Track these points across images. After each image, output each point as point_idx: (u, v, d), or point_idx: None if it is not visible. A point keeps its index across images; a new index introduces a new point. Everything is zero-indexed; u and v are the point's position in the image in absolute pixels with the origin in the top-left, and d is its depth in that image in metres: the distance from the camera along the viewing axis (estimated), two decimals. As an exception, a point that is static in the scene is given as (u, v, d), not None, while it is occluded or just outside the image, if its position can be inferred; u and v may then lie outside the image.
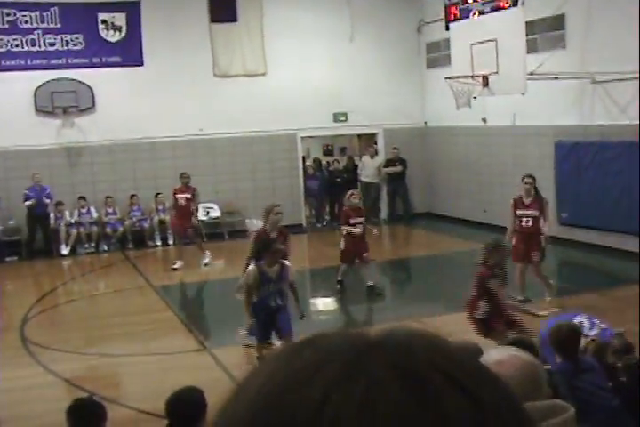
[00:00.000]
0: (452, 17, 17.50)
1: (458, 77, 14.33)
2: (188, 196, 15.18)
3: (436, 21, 18.66)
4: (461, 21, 16.08)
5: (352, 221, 12.27)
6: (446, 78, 14.71)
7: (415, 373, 0.70)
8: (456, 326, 9.85)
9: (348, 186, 19.92)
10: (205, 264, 15.12)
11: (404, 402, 0.68)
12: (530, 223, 11.16)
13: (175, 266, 14.93)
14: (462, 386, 0.70)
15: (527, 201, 11.29)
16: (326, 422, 0.66)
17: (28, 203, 16.76)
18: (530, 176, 11.64)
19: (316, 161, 21.19)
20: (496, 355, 2.44)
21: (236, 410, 0.71)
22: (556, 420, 2.19)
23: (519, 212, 11.27)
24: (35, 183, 16.94)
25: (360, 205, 12.78)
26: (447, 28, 16.67)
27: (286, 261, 8.78)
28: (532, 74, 13.35)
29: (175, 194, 15.36)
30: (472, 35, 13.86)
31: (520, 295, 10.84)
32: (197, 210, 16.20)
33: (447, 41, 15.78)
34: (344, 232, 12.35)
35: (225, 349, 9.80)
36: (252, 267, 8.59)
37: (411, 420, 0.67)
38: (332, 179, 20.15)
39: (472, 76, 13.83)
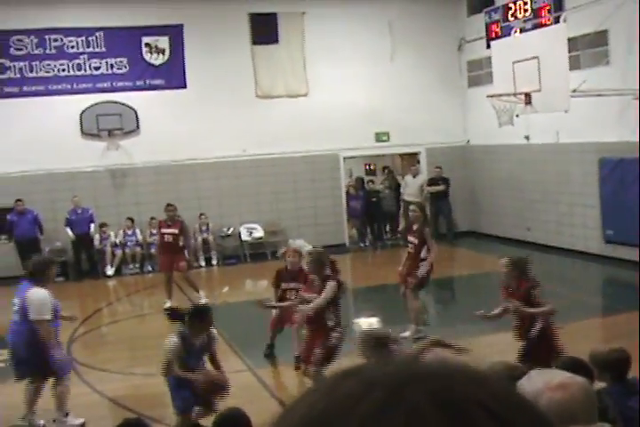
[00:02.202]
0: (494, 35, 17.47)
1: (500, 95, 14.27)
2: (176, 231, 13.53)
3: (477, 40, 18.66)
4: (503, 39, 16.03)
5: (284, 286, 9.76)
6: (488, 96, 14.66)
7: (454, 405, 0.69)
8: (499, 347, 9.77)
9: (387, 205, 20.03)
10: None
11: None
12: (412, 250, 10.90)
13: (166, 306, 12.32)
14: (501, 419, 0.69)
15: (414, 227, 11.00)
16: None
17: (68, 231, 17.05)
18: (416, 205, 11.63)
19: (358, 180, 21.21)
20: (556, 378, 2.42)
21: None
22: None
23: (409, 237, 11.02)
24: (75, 206, 17.17)
25: (298, 266, 9.84)
26: (488, 46, 16.65)
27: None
28: (575, 91, 13.25)
29: (160, 228, 13.91)
30: (514, 52, 13.80)
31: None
32: (189, 246, 14.49)
33: (489, 59, 15.75)
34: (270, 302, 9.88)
35: (268, 369, 9.82)
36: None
37: None
38: (370, 198, 20.13)
39: (514, 94, 13.76)
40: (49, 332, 7.75)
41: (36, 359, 7.74)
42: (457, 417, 0.68)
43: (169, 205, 13.93)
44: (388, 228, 20.39)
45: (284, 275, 9.87)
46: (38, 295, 7.71)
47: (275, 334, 10.30)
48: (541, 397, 2.29)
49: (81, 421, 8.15)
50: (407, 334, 10.77)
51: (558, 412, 2.24)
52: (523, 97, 13.65)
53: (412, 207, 11.45)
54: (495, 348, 9.72)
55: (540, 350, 7.49)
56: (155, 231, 16.92)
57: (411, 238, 11.08)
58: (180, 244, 13.54)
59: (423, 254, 10.82)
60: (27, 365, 7.83)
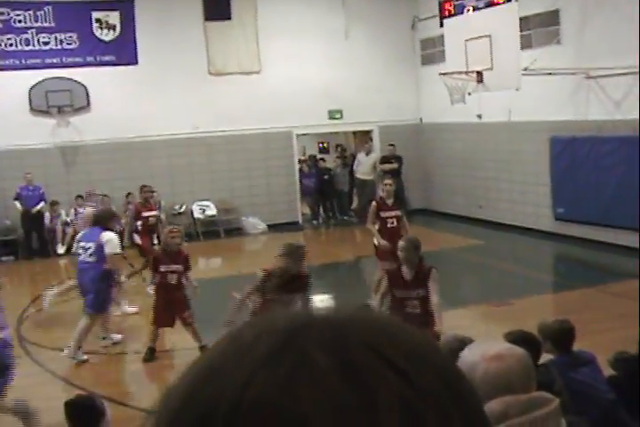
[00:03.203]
0: (447, 13, 17.48)
1: (452, 73, 14.32)
2: (157, 213, 13.52)
3: (430, 18, 18.68)
4: (455, 17, 16.07)
5: (163, 269, 9.19)
6: (440, 74, 14.71)
7: (346, 350, 0.68)
8: (454, 322, 9.86)
9: (340, 183, 20.08)
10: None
11: (329, 379, 0.66)
12: (394, 224, 11.01)
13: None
14: (396, 367, 0.68)
15: (390, 202, 11.13)
16: (247, 404, 0.65)
17: (17, 205, 16.82)
18: (390, 178, 11.77)
19: (311, 158, 21.18)
20: (493, 349, 2.45)
21: (171, 395, 0.71)
22: (540, 412, 2.20)
23: (383, 214, 11.04)
24: (27, 183, 16.94)
25: (178, 247, 9.37)
26: (442, 25, 16.68)
27: None
28: (526, 69, 13.35)
29: (139, 212, 13.13)
30: (466, 31, 13.84)
31: None
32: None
33: (442, 37, 15.76)
34: (152, 289, 9.69)
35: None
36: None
37: (335, 396, 0.65)
38: (322, 176, 20.13)
39: (466, 72, 13.82)
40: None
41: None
42: (348, 362, 0.67)
43: (144, 186, 13.57)
44: (340, 206, 20.42)
45: (163, 258, 9.27)
46: (110, 236, 9.41)
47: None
48: (478, 367, 2.32)
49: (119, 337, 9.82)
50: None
51: (494, 382, 2.28)
52: (475, 75, 13.72)
53: (385, 182, 11.47)
54: (451, 323, 9.81)
55: None
56: (130, 207, 16.55)
57: (391, 213, 11.02)
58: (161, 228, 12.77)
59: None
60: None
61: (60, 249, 17.25)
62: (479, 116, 17.13)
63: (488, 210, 17.61)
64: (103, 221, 9.73)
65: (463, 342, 4.43)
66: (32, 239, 17.35)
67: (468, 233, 16.89)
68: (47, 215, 17.31)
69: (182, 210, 18.20)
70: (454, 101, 14.62)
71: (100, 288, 9.36)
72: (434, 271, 7.36)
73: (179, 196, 18.25)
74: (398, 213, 11.08)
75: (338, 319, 0.74)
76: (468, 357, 2.42)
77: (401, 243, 7.49)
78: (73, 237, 17.33)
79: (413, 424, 0.66)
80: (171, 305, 9.11)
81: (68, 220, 17.47)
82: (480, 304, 11.04)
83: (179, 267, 9.15)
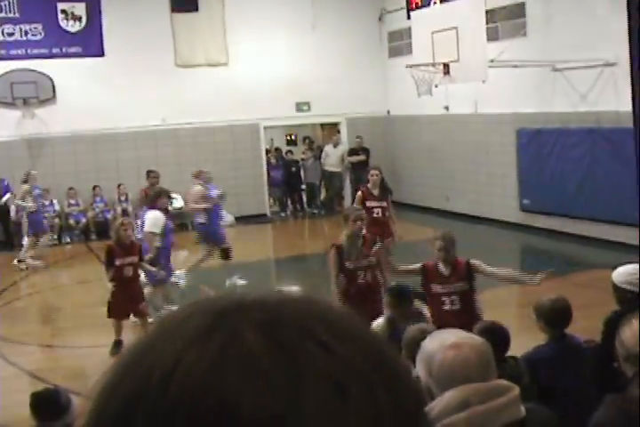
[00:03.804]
0: (414, 5, 17.53)
1: (419, 66, 14.36)
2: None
3: (397, 10, 18.71)
4: (422, 9, 16.13)
5: (118, 262, 9.09)
6: (407, 66, 14.74)
7: (279, 331, 0.69)
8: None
9: (308, 175, 20.08)
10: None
11: (258, 357, 0.67)
12: (379, 214, 11.04)
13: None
14: (322, 342, 0.69)
15: (375, 192, 11.17)
16: (176, 382, 0.66)
17: None
18: (376, 168, 11.67)
19: (278, 150, 21.15)
20: (451, 338, 2.47)
21: (106, 374, 0.72)
22: (502, 399, 2.23)
23: (369, 203, 11.01)
24: (-10, 176, 16.80)
25: (130, 239, 9.33)
26: (409, 17, 16.71)
27: None
28: (492, 62, 13.43)
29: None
30: (433, 23, 13.89)
31: None
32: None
33: (409, 30, 15.79)
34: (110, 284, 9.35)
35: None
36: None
37: (263, 373, 0.66)
38: (290, 168, 20.11)
39: (433, 64, 13.87)
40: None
41: None
42: (277, 341, 0.68)
43: (151, 171, 13.62)
44: (306, 198, 20.41)
45: (117, 250, 9.14)
46: (152, 214, 10.05)
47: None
48: (436, 356, 2.34)
49: None
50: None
51: (451, 371, 2.30)
52: (441, 67, 13.77)
53: (372, 172, 11.39)
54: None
55: None
56: (97, 199, 17.42)
57: (375, 203, 10.98)
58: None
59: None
60: None
61: (25, 241, 17.10)
62: (446, 108, 17.22)
63: (455, 201, 17.72)
64: (150, 200, 10.56)
65: (426, 333, 4.47)
66: (-3, 233, 17.21)
67: (435, 225, 16.95)
68: (13, 208, 17.13)
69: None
70: (421, 93, 14.66)
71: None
72: (474, 262, 7.09)
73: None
74: (383, 203, 11.06)
75: (272, 302, 0.74)
76: (427, 346, 2.44)
77: (438, 242, 6.98)
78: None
79: (337, 398, 0.67)
80: (128, 298, 9.08)
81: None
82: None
83: (134, 259, 9.13)
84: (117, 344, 9.05)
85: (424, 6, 16.66)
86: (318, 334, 0.70)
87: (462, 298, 6.89)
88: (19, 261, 14.77)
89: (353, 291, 7.78)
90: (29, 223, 15.37)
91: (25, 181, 15.18)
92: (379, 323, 6.38)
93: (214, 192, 12.25)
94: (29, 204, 15.06)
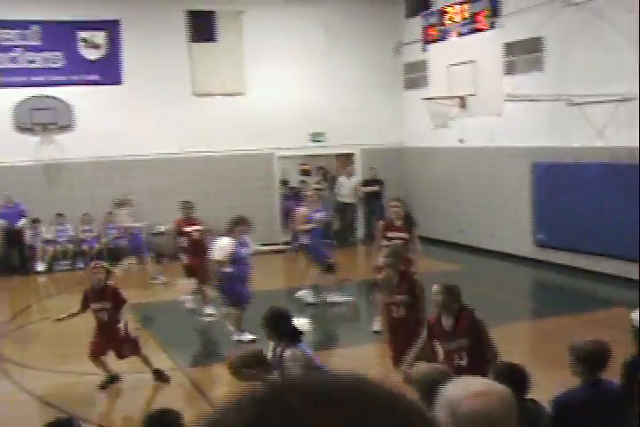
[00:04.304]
0: (431, 38, 17.63)
1: (435, 98, 14.42)
2: (200, 227, 12.81)
3: (413, 42, 18.82)
4: (439, 42, 16.21)
5: (93, 307, 9.00)
6: (423, 99, 14.81)
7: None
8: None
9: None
10: (209, 314, 12.47)
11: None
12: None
13: (207, 311, 12.42)
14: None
15: (398, 223, 11.10)
16: None
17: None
18: (396, 199, 11.68)
19: (285, 182, 21.09)
20: (475, 385, 2.48)
21: None
22: None
23: (390, 234, 10.96)
24: (5, 201, 16.91)
25: (103, 283, 9.03)
26: (425, 49, 16.80)
27: None
28: (509, 96, 13.46)
29: (181, 227, 12.78)
30: (450, 56, 13.94)
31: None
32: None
33: (425, 62, 15.88)
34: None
35: (198, 369, 9.77)
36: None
37: None
38: (302, 199, 20.04)
39: (449, 98, 13.92)
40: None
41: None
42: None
43: (185, 202, 13.27)
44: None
45: (90, 295, 9.03)
46: (221, 242, 10.55)
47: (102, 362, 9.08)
48: (460, 404, 2.35)
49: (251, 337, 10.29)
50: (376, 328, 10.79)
51: (475, 419, 2.31)
52: (457, 100, 13.82)
53: (392, 203, 11.38)
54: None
55: None
56: (111, 225, 17.29)
57: (397, 234, 10.82)
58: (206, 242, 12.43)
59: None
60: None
61: (40, 267, 17.19)
62: (461, 141, 17.19)
63: (468, 235, 17.68)
64: (229, 227, 10.77)
65: (442, 375, 4.44)
66: (12, 256, 17.30)
67: (447, 258, 16.91)
68: (28, 233, 17.26)
69: (163, 230, 18.14)
70: (436, 126, 14.72)
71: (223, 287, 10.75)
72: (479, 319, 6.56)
73: (160, 215, 18.18)
74: (405, 235, 10.84)
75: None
76: (450, 393, 2.46)
77: (434, 287, 6.60)
78: (53, 256, 17.37)
79: None
80: (105, 341, 8.93)
81: (49, 237, 17.42)
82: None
83: (105, 304, 8.88)
84: (112, 378, 8.97)
85: (441, 39, 16.75)
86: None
87: (469, 353, 6.46)
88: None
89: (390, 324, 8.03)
90: (131, 244, 16.33)
91: (121, 204, 15.92)
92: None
93: (319, 214, 12.90)
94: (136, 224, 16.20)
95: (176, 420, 4.52)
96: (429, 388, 4.32)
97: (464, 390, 2.45)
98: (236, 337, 10.62)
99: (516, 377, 4.59)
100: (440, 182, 18.52)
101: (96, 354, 8.94)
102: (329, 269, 12.88)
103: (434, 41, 16.99)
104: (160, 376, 8.99)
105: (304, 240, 12.85)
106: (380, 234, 10.94)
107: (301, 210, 13.08)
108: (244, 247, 10.62)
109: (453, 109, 14.04)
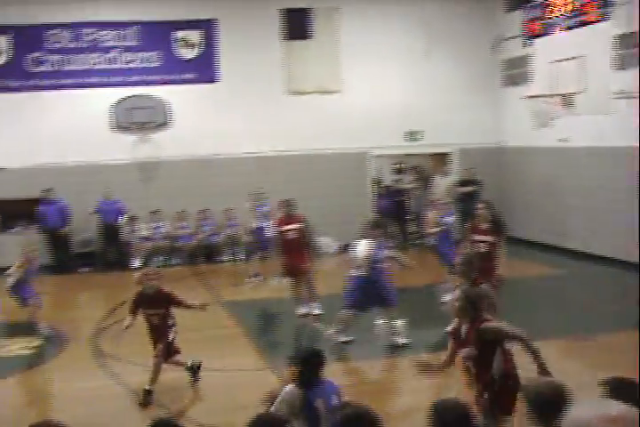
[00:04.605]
0: (533, 32, 17.10)
1: (537, 96, 14.00)
2: (298, 226, 12.36)
3: (513, 38, 18.34)
4: (544, 37, 15.63)
5: (142, 312, 8.91)
6: (526, 97, 14.37)
7: None
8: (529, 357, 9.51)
9: (415, 206, 19.76)
10: (304, 315, 12.36)
11: None
12: (486, 249, 10.51)
13: (300, 312, 12.36)
14: None
15: (483, 226, 10.68)
16: None
17: (91, 211, 17.18)
18: (483, 202, 11.34)
19: (379, 181, 20.82)
20: (609, 410, 2.33)
21: None
22: None
23: (476, 237, 10.63)
24: (105, 198, 17.23)
25: (156, 289, 8.85)
26: (526, 44, 16.33)
27: None
28: (619, 93, 12.84)
29: (279, 226, 12.55)
30: (555, 51, 13.47)
31: None
32: (312, 243, 12.71)
33: (525, 58, 15.44)
34: None
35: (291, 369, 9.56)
36: None
37: None
38: (397, 198, 19.82)
39: (553, 95, 13.48)
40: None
41: None
42: None
43: (287, 200, 12.85)
44: (414, 228, 20.06)
45: (142, 300, 8.86)
46: (360, 243, 10.49)
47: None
48: None
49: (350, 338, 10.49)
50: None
51: None
52: (561, 98, 13.36)
53: (480, 206, 11.10)
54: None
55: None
56: (206, 222, 17.52)
57: (481, 237, 10.56)
58: (304, 241, 12.33)
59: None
60: None
61: (136, 263, 17.39)
62: (564, 140, 16.64)
63: (570, 238, 17.09)
64: (366, 229, 10.69)
65: (559, 391, 4.15)
66: (110, 252, 17.60)
67: (548, 261, 16.44)
68: (125, 229, 17.53)
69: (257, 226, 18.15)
70: (538, 125, 14.27)
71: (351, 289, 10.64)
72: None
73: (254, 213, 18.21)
74: (490, 238, 10.51)
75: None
76: (581, 416, 2.36)
77: (457, 292, 6.61)
78: (149, 252, 17.58)
79: None
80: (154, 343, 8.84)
81: (145, 234, 17.64)
82: (558, 339, 10.42)
83: (157, 311, 8.78)
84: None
85: (544, 33, 16.20)
86: None
87: (475, 363, 6.25)
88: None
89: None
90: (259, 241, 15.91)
91: (254, 199, 15.78)
92: None
93: (449, 218, 12.81)
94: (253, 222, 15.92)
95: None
96: (542, 403, 4.07)
97: (597, 414, 2.34)
98: (335, 337, 10.53)
99: (632, 394, 4.20)
100: (540, 183, 17.97)
101: (168, 355, 8.81)
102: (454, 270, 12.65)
103: (536, 36, 16.44)
104: (146, 397, 8.48)
105: (432, 242, 12.91)
106: (466, 237, 10.70)
107: (432, 213, 13.09)
108: (381, 250, 10.44)
109: (556, 108, 13.59)
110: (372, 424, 4.14)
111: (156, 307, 8.75)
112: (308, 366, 5.54)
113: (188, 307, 8.97)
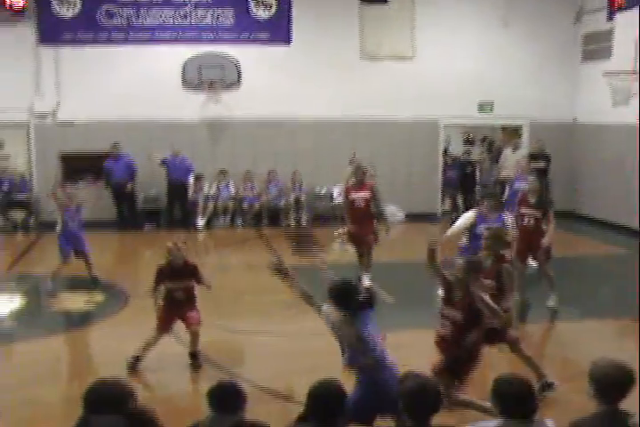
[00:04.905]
0: (617, 5, 16.51)
1: (618, 73, 13.59)
2: (367, 195, 11.94)
3: (597, 10, 17.78)
4: (628, 10, 15.09)
5: (169, 285, 8.57)
6: (605, 74, 13.95)
7: None
8: (587, 335, 9.38)
9: (484, 178, 19.47)
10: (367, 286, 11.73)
11: None
12: (530, 223, 10.57)
13: (365, 283, 11.81)
14: None
15: (532, 200, 10.66)
16: None
17: (158, 161, 17.17)
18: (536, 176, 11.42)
19: (446, 151, 20.54)
20: None
21: None
22: None
23: (523, 210, 10.68)
24: (174, 154, 17.27)
25: (183, 262, 8.61)
26: (610, 18, 15.81)
27: None
28: None
29: (348, 193, 12.15)
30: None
31: None
32: (380, 213, 12.20)
33: (608, 32, 14.97)
34: None
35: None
36: None
37: None
38: (466, 169, 19.55)
39: (634, 73, 13.08)
40: None
41: None
42: None
43: (359, 167, 12.30)
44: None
45: (168, 272, 8.56)
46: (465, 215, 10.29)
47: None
48: None
49: None
50: (552, 303, 10.65)
51: None
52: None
53: (530, 178, 11.09)
54: (586, 334, 9.34)
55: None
56: (272, 184, 17.64)
57: (529, 211, 10.63)
58: (372, 210, 11.93)
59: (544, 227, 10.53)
60: None
61: (200, 222, 17.51)
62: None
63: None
64: (480, 200, 10.75)
65: (623, 371, 4.09)
66: (175, 210, 17.71)
67: (613, 241, 16.12)
68: (191, 188, 17.62)
69: (323, 192, 18.14)
70: (616, 103, 13.88)
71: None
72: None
73: (320, 177, 18.20)
74: (537, 213, 10.56)
75: None
76: None
77: (458, 263, 6.66)
78: (214, 212, 17.69)
79: None
80: (175, 316, 8.56)
81: (210, 193, 17.72)
82: (617, 318, 10.35)
83: (187, 283, 8.54)
84: (193, 356, 8.56)
85: (631, 6, 15.60)
86: None
87: (456, 326, 6.53)
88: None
89: None
90: None
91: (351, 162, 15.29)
92: None
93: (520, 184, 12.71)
94: None
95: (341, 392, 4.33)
96: (608, 384, 4.05)
97: None
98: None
99: None
100: (613, 162, 17.51)
101: (165, 330, 8.58)
102: None
103: (621, 9, 15.89)
104: (195, 360, 8.48)
105: None
106: (517, 210, 10.67)
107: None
108: (484, 224, 9.61)
109: (637, 85, 13.18)
110: (435, 396, 4.15)
111: (181, 280, 8.50)
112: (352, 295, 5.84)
113: (202, 284, 8.70)
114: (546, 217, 10.52)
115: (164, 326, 8.50)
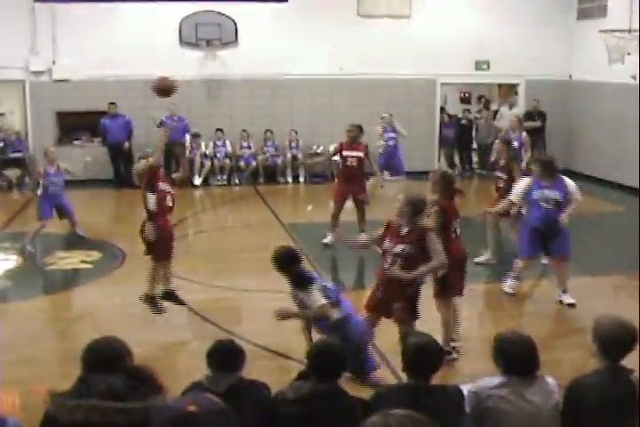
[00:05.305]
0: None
1: (613, 31, 13.62)
2: (360, 154, 11.97)
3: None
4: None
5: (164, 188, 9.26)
6: (601, 32, 13.99)
7: None
8: (582, 291, 9.54)
9: (480, 136, 19.54)
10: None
11: None
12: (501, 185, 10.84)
13: (325, 240, 12.21)
14: None
15: (501, 162, 10.96)
16: None
17: (156, 122, 17.12)
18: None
19: (442, 109, 20.57)
20: None
21: None
22: None
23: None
24: (171, 113, 17.25)
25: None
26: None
27: None
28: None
29: (341, 150, 12.13)
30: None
31: None
32: (374, 172, 13.01)
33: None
34: None
35: (352, 292, 9.68)
36: None
37: None
38: (463, 127, 19.58)
39: (630, 31, 13.12)
40: None
41: None
42: None
43: (354, 125, 12.25)
44: (477, 158, 19.92)
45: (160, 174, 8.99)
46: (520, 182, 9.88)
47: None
48: None
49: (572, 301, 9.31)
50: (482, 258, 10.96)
51: None
52: (639, 34, 13.00)
53: (497, 141, 11.26)
54: (582, 291, 9.50)
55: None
56: (269, 143, 17.68)
57: (499, 174, 10.91)
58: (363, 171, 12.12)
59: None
60: None
61: (197, 180, 17.63)
62: (634, 78, 16.26)
63: (632, 176, 16.85)
64: (533, 167, 9.97)
65: (626, 329, 4.21)
66: (171, 168, 17.73)
67: (608, 198, 16.28)
68: (187, 146, 17.67)
69: (319, 150, 18.22)
70: (612, 61, 13.92)
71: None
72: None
73: (317, 136, 18.27)
74: (504, 175, 10.84)
75: None
76: None
77: (400, 196, 6.94)
78: (210, 170, 17.77)
79: None
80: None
81: (207, 152, 17.79)
82: (611, 275, 10.63)
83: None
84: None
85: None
86: None
87: (405, 262, 6.72)
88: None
89: None
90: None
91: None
92: None
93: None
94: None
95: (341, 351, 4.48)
96: (611, 341, 4.14)
97: None
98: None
99: None
100: (607, 120, 17.63)
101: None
102: None
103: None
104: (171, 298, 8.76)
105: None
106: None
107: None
108: (538, 191, 9.34)
109: (632, 44, 13.23)
110: (437, 353, 4.32)
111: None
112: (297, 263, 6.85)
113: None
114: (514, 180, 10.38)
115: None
